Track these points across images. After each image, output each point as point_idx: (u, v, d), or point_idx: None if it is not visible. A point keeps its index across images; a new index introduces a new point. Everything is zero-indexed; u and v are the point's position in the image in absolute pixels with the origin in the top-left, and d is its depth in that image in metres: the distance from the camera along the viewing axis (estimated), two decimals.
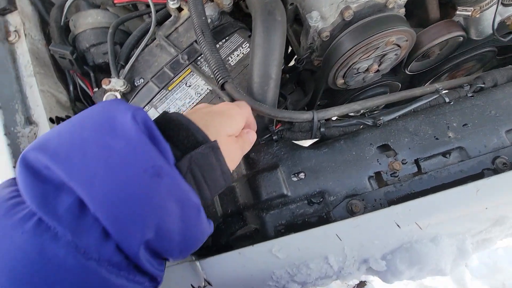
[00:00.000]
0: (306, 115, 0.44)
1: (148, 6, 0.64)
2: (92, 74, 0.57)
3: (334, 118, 0.57)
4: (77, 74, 0.57)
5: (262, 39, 0.45)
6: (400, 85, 0.70)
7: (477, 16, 0.52)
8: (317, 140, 0.48)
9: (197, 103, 0.53)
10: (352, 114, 0.63)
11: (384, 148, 0.44)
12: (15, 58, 0.49)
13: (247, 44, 0.57)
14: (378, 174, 0.43)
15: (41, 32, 0.55)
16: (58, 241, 0.20)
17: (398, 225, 0.36)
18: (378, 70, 0.57)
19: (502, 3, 0.54)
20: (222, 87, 0.46)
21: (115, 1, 0.59)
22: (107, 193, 0.21)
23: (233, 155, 0.32)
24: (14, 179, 0.23)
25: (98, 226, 0.21)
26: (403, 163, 0.42)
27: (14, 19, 0.50)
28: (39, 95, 0.48)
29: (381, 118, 0.45)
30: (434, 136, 0.43)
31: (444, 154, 0.42)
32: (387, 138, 0.44)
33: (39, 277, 0.19)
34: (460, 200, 0.36)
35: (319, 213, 0.41)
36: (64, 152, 0.22)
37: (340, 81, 0.57)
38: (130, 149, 0.23)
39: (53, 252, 0.20)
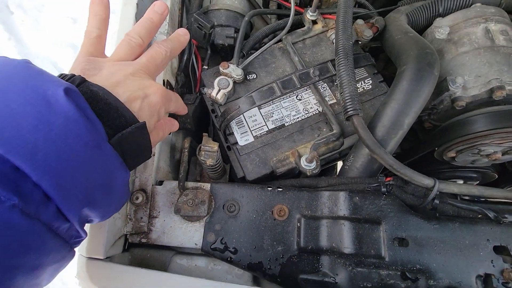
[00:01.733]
0: (427, 181, 0.40)
1: (279, 7, 0.63)
2: (209, 52, 0.56)
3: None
4: (195, 47, 0.56)
5: (411, 86, 0.42)
6: (496, 176, 0.65)
7: None
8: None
9: (302, 119, 0.51)
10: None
11: (502, 250, 0.39)
12: None
13: (370, 81, 0.55)
14: (488, 277, 0.37)
15: None
16: (2, 204, 0.21)
17: None
18: (494, 159, 0.52)
19: None
20: (348, 118, 0.43)
21: None
22: (50, 164, 0.23)
23: (154, 137, 0.36)
24: None
25: (39, 191, 0.23)
26: None
27: None
28: None
29: (506, 215, 0.40)
30: None
31: None
32: (509, 241, 0.39)
33: None
34: None
35: None
36: None
37: (451, 154, 0.53)
38: (70, 126, 0.25)
39: None
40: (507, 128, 0.44)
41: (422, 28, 0.59)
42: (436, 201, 0.41)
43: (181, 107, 0.44)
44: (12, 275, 0.23)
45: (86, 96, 0.27)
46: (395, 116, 0.42)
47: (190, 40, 0.56)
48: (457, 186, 0.42)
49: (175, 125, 0.44)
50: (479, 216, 0.41)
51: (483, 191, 0.44)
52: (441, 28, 0.53)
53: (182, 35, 0.42)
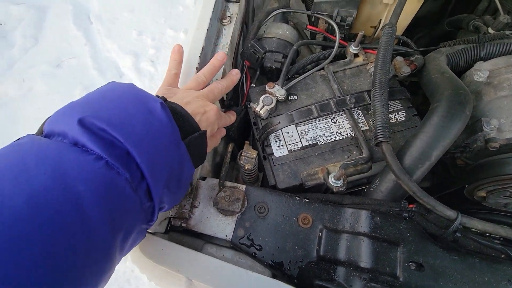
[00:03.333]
0: (449, 213, 0.42)
1: (325, 39, 0.70)
2: (258, 73, 0.64)
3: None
4: (247, 67, 0.64)
5: (441, 121, 0.45)
6: None
7: None
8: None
9: (334, 141, 0.55)
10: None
11: None
12: (219, 36, 0.58)
13: (404, 113, 0.58)
14: None
15: (241, 23, 0.64)
16: (120, 177, 0.30)
17: None
18: None
19: None
20: (378, 144, 0.47)
21: (307, 27, 0.66)
22: (149, 152, 0.32)
23: (208, 144, 0.45)
24: (32, 136, 0.31)
25: (139, 171, 0.32)
26: None
27: (233, 8, 0.60)
28: (221, 71, 0.55)
29: None
30: None
31: None
32: None
33: (108, 195, 0.29)
34: None
35: None
36: (118, 122, 0.31)
37: (481, 194, 0.53)
38: (163, 128, 0.35)
39: (118, 183, 0.30)
40: None
41: (462, 70, 0.62)
42: (458, 234, 0.43)
43: (228, 122, 0.55)
44: (118, 234, 0.30)
45: (169, 109, 0.38)
46: (423, 147, 0.45)
47: (243, 61, 0.64)
48: (481, 223, 0.43)
49: (223, 132, 0.55)
50: (502, 256, 0.42)
51: (511, 233, 0.44)
52: (480, 72, 0.56)
53: (235, 75, 0.56)
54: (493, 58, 0.58)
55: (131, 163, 0.31)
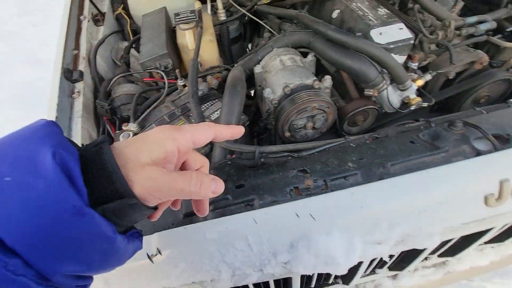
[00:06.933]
0: (250, 148, 0.65)
1: (164, 84, 0.95)
2: (117, 122, 0.83)
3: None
4: (107, 121, 0.83)
5: (228, 100, 0.71)
6: None
7: (377, 95, 0.77)
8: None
9: None
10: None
11: (303, 171, 0.62)
12: (72, 107, 0.77)
13: None
14: (296, 188, 0.59)
15: (92, 93, 0.85)
16: None
17: (297, 215, 0.50)
18: (314, 128, 0.79)
19: (399, 89, 0.79)
20: None
21: (143, 79, 0.90)
22: (24, 233, 0.23)
23: (175, 180, 0.30)
24: None
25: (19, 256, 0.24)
26: (314, 182, 0.59)
27: (79, 85, 0.81)
28: (80, 130, 0.73)
29: (303, 152, 0.65)
30: (338, 165, 0.61)
31: (345, 177, 0.59)
32: (306, 165, 0.62)
33: None
34: (340, 198, 0.52)
35: None
36: None
37: (287, 134, 0.79)
38: (50, 191, 0.24)
39: None
40: (295, 104, 0.73)
41: None
42: (262, 159, 0.65)
43: (200, 136, 0.36)
44: None
45: (83, 159, 0.27)
46: (225, 118, 0.70)
47: (101, 118, 0.83)
48: (275, 147, 0.67)
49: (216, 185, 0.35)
50: (289, 158, 0.65)
51: (296, 146, 0.69)
52: (257, 67, 0.87)
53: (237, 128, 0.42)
54: (264, 57, 0.91)
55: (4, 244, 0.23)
